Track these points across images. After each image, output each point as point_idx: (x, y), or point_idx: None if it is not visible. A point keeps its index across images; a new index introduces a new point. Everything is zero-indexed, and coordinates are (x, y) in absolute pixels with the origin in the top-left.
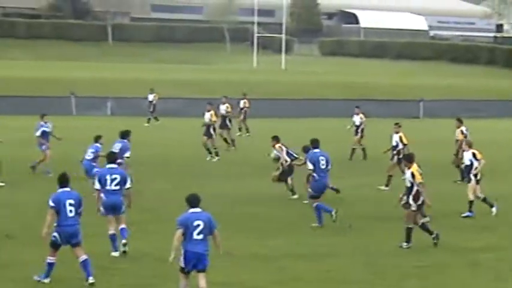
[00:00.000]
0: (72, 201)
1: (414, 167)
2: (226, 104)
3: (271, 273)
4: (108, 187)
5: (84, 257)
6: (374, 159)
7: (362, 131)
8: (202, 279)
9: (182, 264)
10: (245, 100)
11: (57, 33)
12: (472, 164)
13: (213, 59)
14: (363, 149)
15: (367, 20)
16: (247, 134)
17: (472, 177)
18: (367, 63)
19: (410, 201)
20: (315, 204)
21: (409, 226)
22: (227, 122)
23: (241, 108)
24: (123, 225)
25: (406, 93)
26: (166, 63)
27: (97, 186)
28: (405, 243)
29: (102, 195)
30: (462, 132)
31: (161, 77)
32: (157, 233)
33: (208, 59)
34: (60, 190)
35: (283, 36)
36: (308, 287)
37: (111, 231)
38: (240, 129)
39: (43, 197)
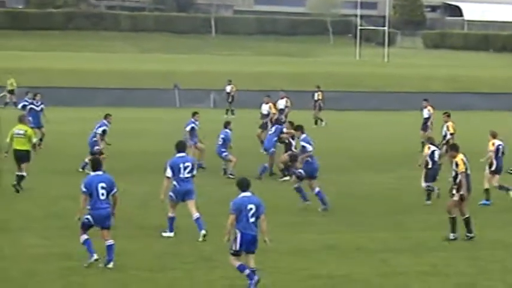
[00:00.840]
0: (104, 185)
1: (459, 157)
2: (285, 99)
3: (376, 267)
4: (181, 175)
5: (110, 241)
6: (475, 152)
7: (431, 123)
8: (251, 260)
9: (237, 248)
10: (319, 92)
11: (161, 26)
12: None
13: (315, 52)
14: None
15: (471, 12)
16: (323, 124)
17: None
18: (471, 56)
19: (454, 191)
20: (296, 185)
21: (451, 216)
22: (283, 116)
23: (316, 101)
24: (196, 214)
25: (510, 86)
26: (269, 55)
27: (169, 174)
28: (452, 234)
29: (174, 182)
30: None
31: (263, 70)
32: None
33: (310, 51)
34: (93, 174)
35: (386, 28)
36: (412, 280)
37: (172, 214)
38: (316, 123)
39: (148, 188)
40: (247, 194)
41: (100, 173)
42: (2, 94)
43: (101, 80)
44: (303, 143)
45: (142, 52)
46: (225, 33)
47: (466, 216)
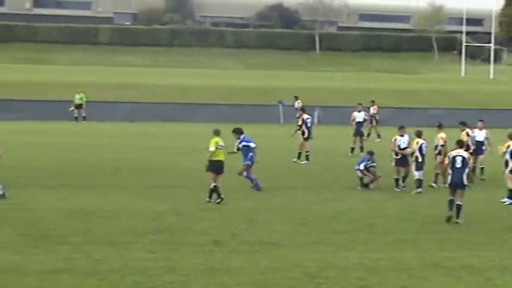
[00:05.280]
0: None
1: None
2: (363, 112)
3: (481, 286)
4: None
5: None
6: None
7: (491, 146)
8: None
9: None
10: (374, 107)
11: (265, 42)
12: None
13: (419, 68)
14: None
15: None
16: (378, 140)
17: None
18: None
19: None
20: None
21: None
22: (362, 129)
23: (371, 116)
24: None
25: None
26: (373, 72)
27: None
28: None
29: None
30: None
31: (368, 86)
32: (367, 242)
33: (415, 68)
34: None
35: (492, 45)
36: None
37: None
38: (368, 135)
39: (253, 204)
40: None
41: None
42: (70, 109)
43: (205, 95)
44: None
45: (247, 68)
46: (329, 50)
47: None
